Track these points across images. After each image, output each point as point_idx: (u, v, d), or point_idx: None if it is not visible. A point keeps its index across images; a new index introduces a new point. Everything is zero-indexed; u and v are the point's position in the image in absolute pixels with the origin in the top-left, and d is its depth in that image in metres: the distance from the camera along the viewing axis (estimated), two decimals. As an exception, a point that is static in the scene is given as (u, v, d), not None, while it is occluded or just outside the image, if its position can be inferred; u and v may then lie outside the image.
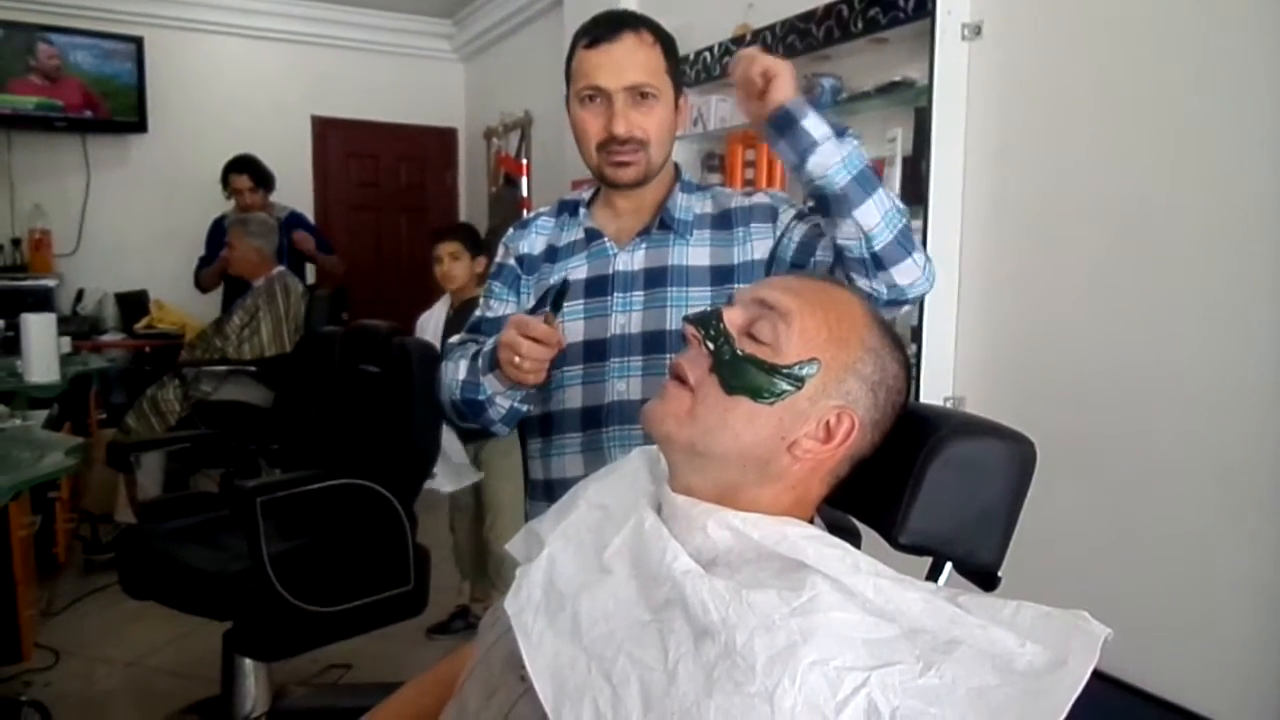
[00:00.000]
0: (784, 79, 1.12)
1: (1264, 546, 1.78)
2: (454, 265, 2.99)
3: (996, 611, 0.68)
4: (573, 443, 1.34)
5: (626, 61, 1.26)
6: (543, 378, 1.20)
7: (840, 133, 1.11)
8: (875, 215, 1.10)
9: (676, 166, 1.40)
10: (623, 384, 1.30)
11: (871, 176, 1.12)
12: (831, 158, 1.09)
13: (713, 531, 0.77)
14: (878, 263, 1.12)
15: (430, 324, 3.17)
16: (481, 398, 1.29)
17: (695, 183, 1.42)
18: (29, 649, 2.70)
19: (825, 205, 1.13)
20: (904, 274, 1.14)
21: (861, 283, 1.15)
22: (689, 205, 1.36)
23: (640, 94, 1.27)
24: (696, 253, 1.33)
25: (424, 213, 6.10)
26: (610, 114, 1.27)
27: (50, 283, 4.55)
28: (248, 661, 2.29)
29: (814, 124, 1.10)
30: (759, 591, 0.68)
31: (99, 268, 4.94)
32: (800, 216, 1.29)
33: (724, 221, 1.35)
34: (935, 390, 2.35)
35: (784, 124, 1.10)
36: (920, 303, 2.31)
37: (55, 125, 4.75)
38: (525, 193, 4.99)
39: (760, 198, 1.36)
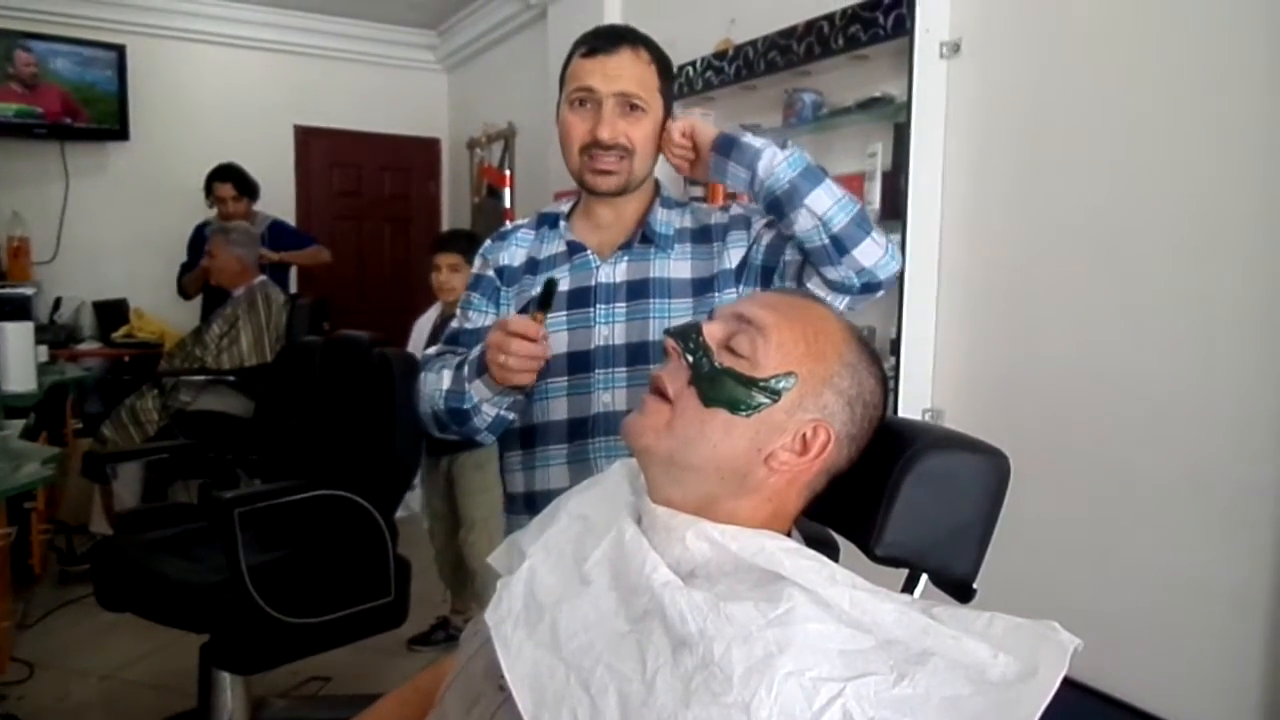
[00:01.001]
0: (701, 125, 1.31)
1: (1238, 556, 1.80)
2: (452, 277, 2.96)
3: (970, 623, 0.69)
4: (558, 454, 1.34)
5: (621, 71, 1.28)
6: (532, 379, 1.20)
7: (781, 145, 1.22)
8: (827, 200, 1.17)
9: (657, 182, 1.42)
10: (608, 395, 1.31)
11: (818, 171, 1.20)
12: (776, 158, 1.20)
13: (692, 543, 0.78)
14: (839, 246, 1.18)
15: (418, 330, 3.17)
16: (467, 406, 1.28)
17: (675, 199, 1.44)
18: (3, 662, 2.67)
19: (779, 205, 1.20)
20: (867, 254, 1.19)
21: (830, 273, 1.20)
22: (669, 220, 1.38)
23: (630, 104, 1.29)
24: (678, 266, 1.35)
25: (407, 223, 6.09)
26: (598, 119, 1.28)
27: (28, 291, 4.50)
28: (225, 674, 2.27)
29: (751, 139, 1.24)
30: (736, 603, 0.69)
31: (77, 276, 4.89)
32: (770, 225, 1.32)
33: (703, 236, 1.37)
34: (914, 403, 2.37)
35: (727, 146, 1.24)
36: (899, 316, 2.34)
37: (34, 132, 4.72)
38: (508, 204, 5.00)
39: (736, 210, 1.38)
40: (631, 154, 1.30)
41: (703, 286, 1.33)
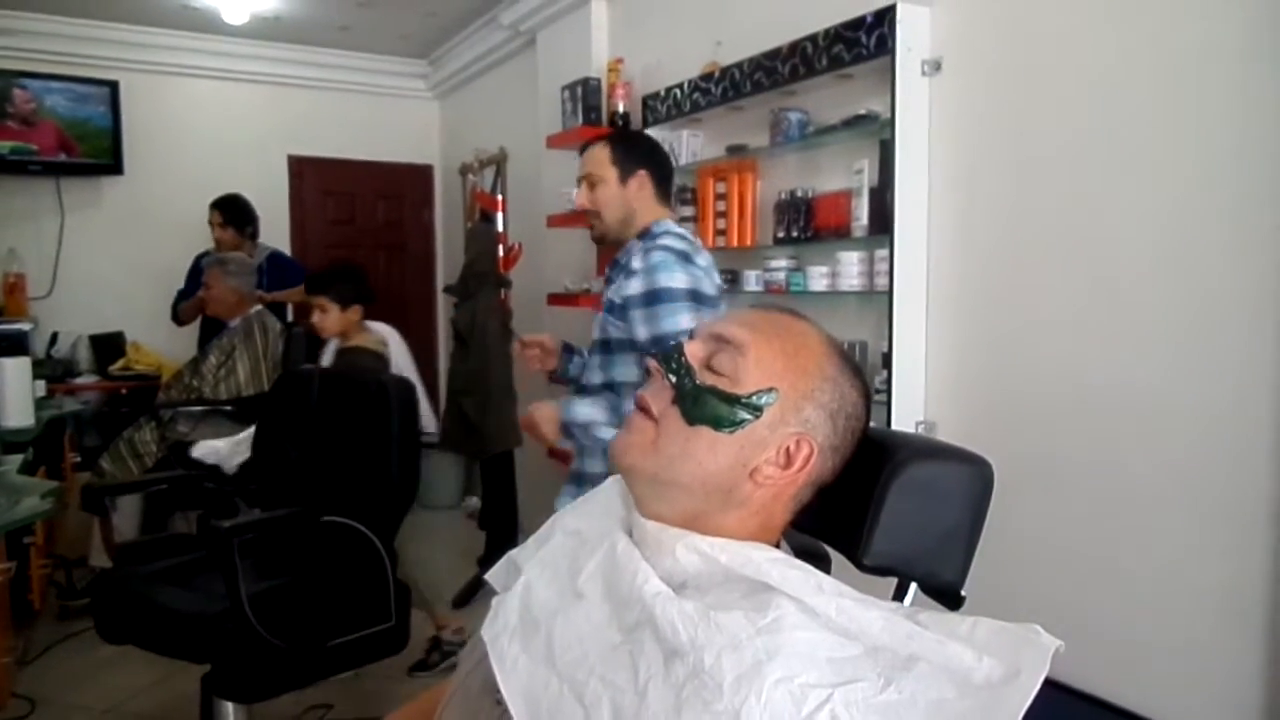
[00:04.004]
0: (542, 422, 1.89)
1: (1232, 559, 1.81)
2: (323, 318, 3.03)
3: (954, 628, 0.71)
4: None
5: (585, 163, 1.98)
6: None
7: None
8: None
9: (652, 226, 1.93)
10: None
11: (597, 416, 1.84)
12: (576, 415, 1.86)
13: (681, 555, 0.79)
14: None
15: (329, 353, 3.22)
16: None
17: (654, 242, 1.87)
18: (4, 698, 2.66)
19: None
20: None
21: None
22: (630, 255, 1.91)
23: (590, 182, 1.96)
24: (616, 288, 1.89)
25: (402, 249, 6.12)
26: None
27: (25, 326, 4.51)
28: (228, 704, 2.25)
29: (573, 414, 1.86)
30: (726, 613, 0.71)
31: (73, 310, 4.91)
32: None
33: (624, 272, 1.90)
34: (906, 416, 2.39)
35: (568, 430, 1.87)
36: (889, 330, 2.36)
37: (29, 169, 4.75)
38: (501, 228, 5.03)
39: (635, 287, 1.82)
40: (599, 215, 1.95)
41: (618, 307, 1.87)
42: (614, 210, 1.93)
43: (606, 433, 1.81)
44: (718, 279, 1.95)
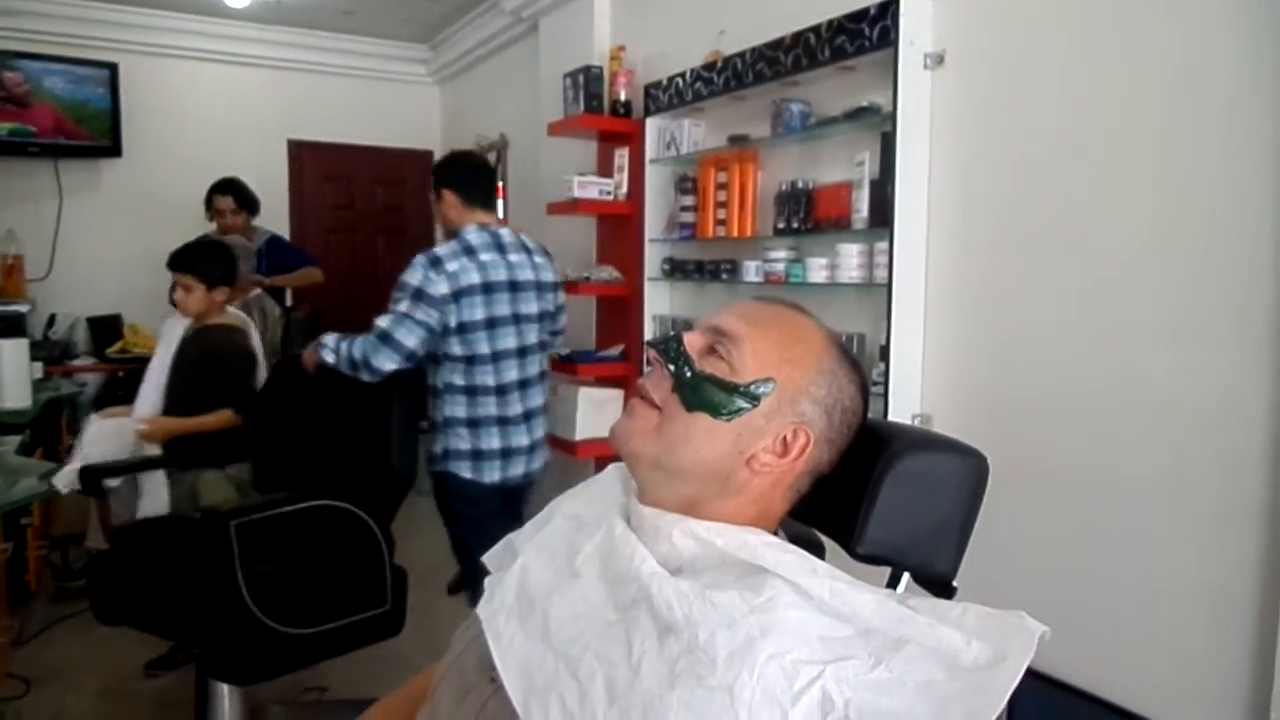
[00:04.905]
0: (309, 348, 2.48)
1: (1224, 556, 1.82)
2: (185, 298, 2.83)
3: (944, 613, 0.72)
4: None
5: None
6: None
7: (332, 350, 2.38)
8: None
9: (456, 233, 2.43)
10: None
11: (340, 352, 2.37)
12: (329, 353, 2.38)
13: (678, 540, 0.81)
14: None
15: (172, 336, 3.08)
16: None
17: (460, 236, 2.39)
18: (0, 678, 2.68)
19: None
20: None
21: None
22: None
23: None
24: None
25: (402, 234, 6.12)
26: None
27: (22, 308, 4.51)
28: (223, 686, 2.27)
29: (323, 351, 2.39)
30: (721, 592, 0.72)
31: (71, 292, 4.91)
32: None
33: None
34: (903, 408, 2.39)
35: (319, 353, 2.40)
36: (888, 323, 2.37)
37: (28, 151, 4.74)
38: (502, 214, 5.03)
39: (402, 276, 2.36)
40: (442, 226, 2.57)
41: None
42: (442, 223, 2.52)
43: (326, 354, 2.36)
44: (486, 274, 2.34)
